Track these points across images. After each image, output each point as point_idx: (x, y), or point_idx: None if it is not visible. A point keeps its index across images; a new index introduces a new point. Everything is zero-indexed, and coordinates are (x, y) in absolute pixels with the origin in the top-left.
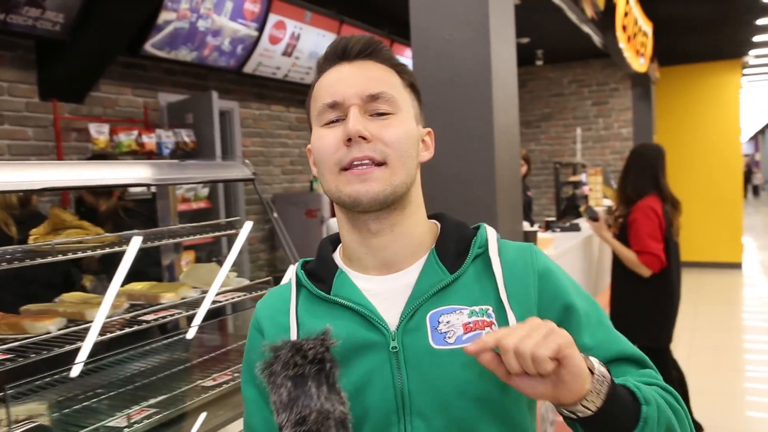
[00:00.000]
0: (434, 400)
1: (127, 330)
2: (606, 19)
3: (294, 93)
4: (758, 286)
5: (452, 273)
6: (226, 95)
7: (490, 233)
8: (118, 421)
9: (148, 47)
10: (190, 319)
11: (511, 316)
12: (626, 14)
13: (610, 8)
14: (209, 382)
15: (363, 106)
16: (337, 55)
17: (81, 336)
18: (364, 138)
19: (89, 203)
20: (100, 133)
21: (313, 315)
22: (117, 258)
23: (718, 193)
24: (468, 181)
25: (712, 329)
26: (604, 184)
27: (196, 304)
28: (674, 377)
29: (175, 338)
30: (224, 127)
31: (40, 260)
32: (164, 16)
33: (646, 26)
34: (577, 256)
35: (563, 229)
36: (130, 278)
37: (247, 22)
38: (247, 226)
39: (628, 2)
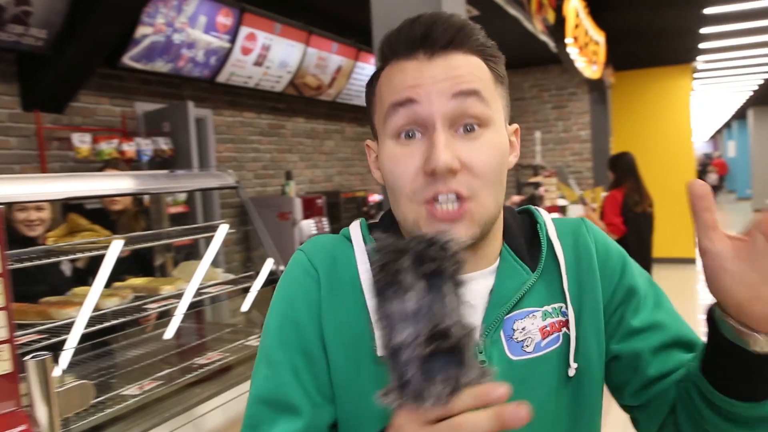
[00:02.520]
0: None
1: (136, 315)
2: (558, 31)
3: (265, 100)
4: None
5: (534, 270)
6: (201, 103)
7: (545, 216)
8: (132, 390)
9: (126, 60)
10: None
11: (570, 311)
12: (577, 26)
13: (561, 21)
14: (204, 360)
15: (449, 118)
16: (416, 42)
17: (100, 320)
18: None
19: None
20: (82, 142)
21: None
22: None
23: (673, 191)
24: None
25: None
26: (562, 183)
27: (191, 294)
28: None
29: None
30: (199, 134)
31: (63, 258)
32: (141, 30)
33: (598, 36)
34: None
35: None
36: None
37: (220, 34)
38: (223, 228)
39: (578, 15)
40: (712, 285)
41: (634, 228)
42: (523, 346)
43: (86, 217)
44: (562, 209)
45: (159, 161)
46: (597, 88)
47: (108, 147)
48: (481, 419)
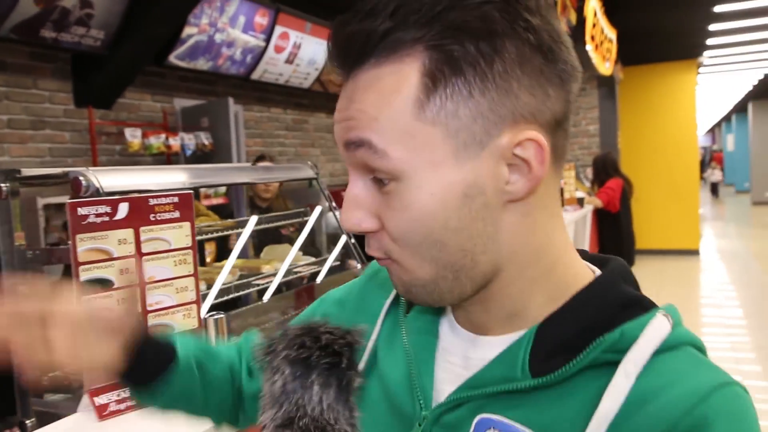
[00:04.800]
0: None
1: (250, 290)
2: (576, 32)
3: (291, 96)
4: (714, 270)
5: (535, 375)
6: (233, 99)
7: (651, 334)
8: None
9: (172, 58)
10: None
11: None
12: (594, 25)
13: (581, 21)
14: None
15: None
16: (336, 62)
17: (226, 293)
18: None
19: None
20: (134, 137)
21: (394, 327)
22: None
23: (677, 184)
24: None
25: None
26: (575, 178)
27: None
28: None
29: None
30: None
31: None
32: (187, 30)
33: (611, 33)
34: None
35: None
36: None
37: (257, 34)
38: (316, 211)
39: (595, 15)
40: None
41: (628, 213)
42: None
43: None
44: (580, 201)
45: (200, 155)
46: (606, 84)
47: (156, 141)
48: None
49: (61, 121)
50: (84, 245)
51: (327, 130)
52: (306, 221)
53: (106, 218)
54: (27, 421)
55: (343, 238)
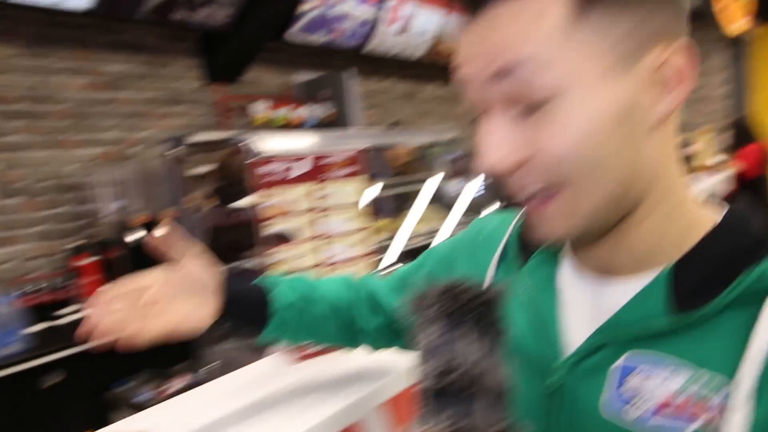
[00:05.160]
0: None
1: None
2: None
3: (403, 67)
4: None
5: (681, 311)
6: (349, 72)
7: None
8: None
9: (290, 34)
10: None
11: (749, 407)
12: None
13: None
14: None
15: (499, 102)
16: (464, 1)
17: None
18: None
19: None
20: (260, 110)
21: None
22: None
23: None
24: None
25: None
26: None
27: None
28: None
29: None
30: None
31: None
32: (305, 6)
33: None
34: None
35: None
36: None
37: (370, 6)
38: (438, 177)
39: None
40: None
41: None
42: (627, 405)
43: None
44: (711, 168)
45: (323, 125)
46: (736, 44)
47: (282, 114)
48: None
49: (192, 98)
50: (265, 201)
51: (439, 101)
52: (431, 185)
53: (284, 176)
54: (209, 366)
55: (469, 197)
